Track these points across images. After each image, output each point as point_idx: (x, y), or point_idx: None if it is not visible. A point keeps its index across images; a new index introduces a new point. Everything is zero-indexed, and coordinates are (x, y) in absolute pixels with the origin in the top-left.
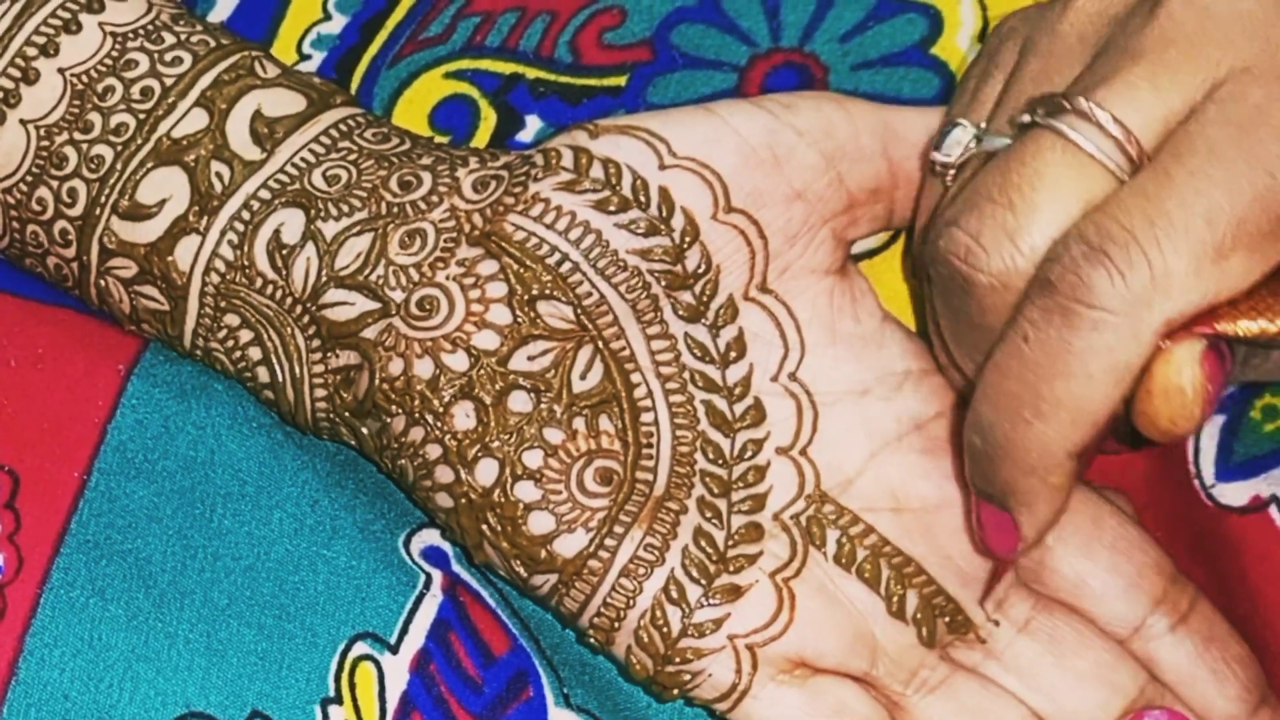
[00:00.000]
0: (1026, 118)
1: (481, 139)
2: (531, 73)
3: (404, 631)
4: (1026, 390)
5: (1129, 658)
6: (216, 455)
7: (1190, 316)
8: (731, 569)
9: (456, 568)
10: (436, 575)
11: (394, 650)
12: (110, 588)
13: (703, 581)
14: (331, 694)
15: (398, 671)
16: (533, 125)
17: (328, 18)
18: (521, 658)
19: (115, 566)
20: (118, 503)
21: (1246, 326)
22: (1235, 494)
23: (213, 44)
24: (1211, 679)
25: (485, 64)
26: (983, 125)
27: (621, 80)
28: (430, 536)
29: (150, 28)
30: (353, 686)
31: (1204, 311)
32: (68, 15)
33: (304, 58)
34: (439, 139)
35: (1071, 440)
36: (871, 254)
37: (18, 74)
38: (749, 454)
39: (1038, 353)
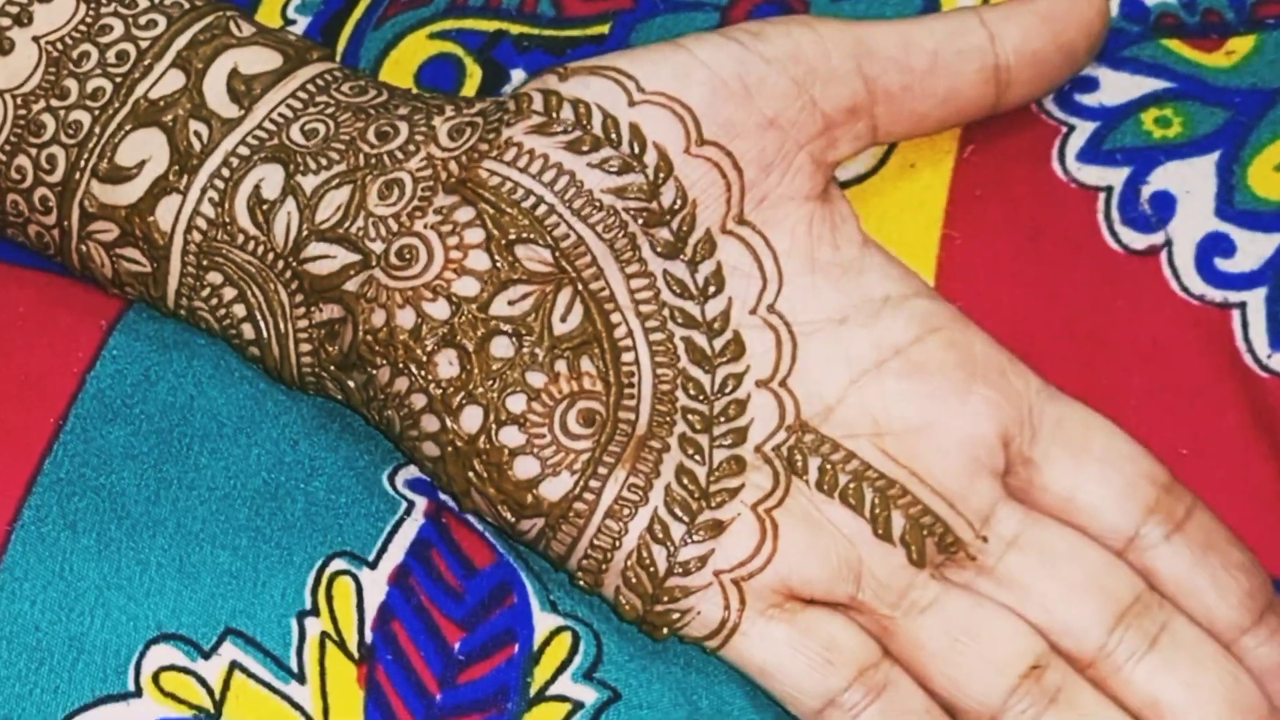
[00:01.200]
0: None
1: (468, 95)
2: (515, 28)
3: (383, 550)
4: None
5: (1123, 564)
6: (196, 401)
7: None
8: (714, 504)
9: (444, 495)
10: (421, 502)
11: (372, 566)
12: (82, 521)
13: (686, 519)
14: (308, 607)
15: (376, 584)
16: (518, 79)
17: None
18: (505, 569)
19: (88, 501)
20: (93, 444)
21: None
22: None
23: (186, 5)
24: (1211, 586)
25: (469, 23)
26: None
27: (604, 29)
28: (417, 469)
29: None
30: (330, 599)
31: None
32: None
33: (289, 23)
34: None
35: None
36: (861, 179)
37: None
38: (729, 388)
39: None
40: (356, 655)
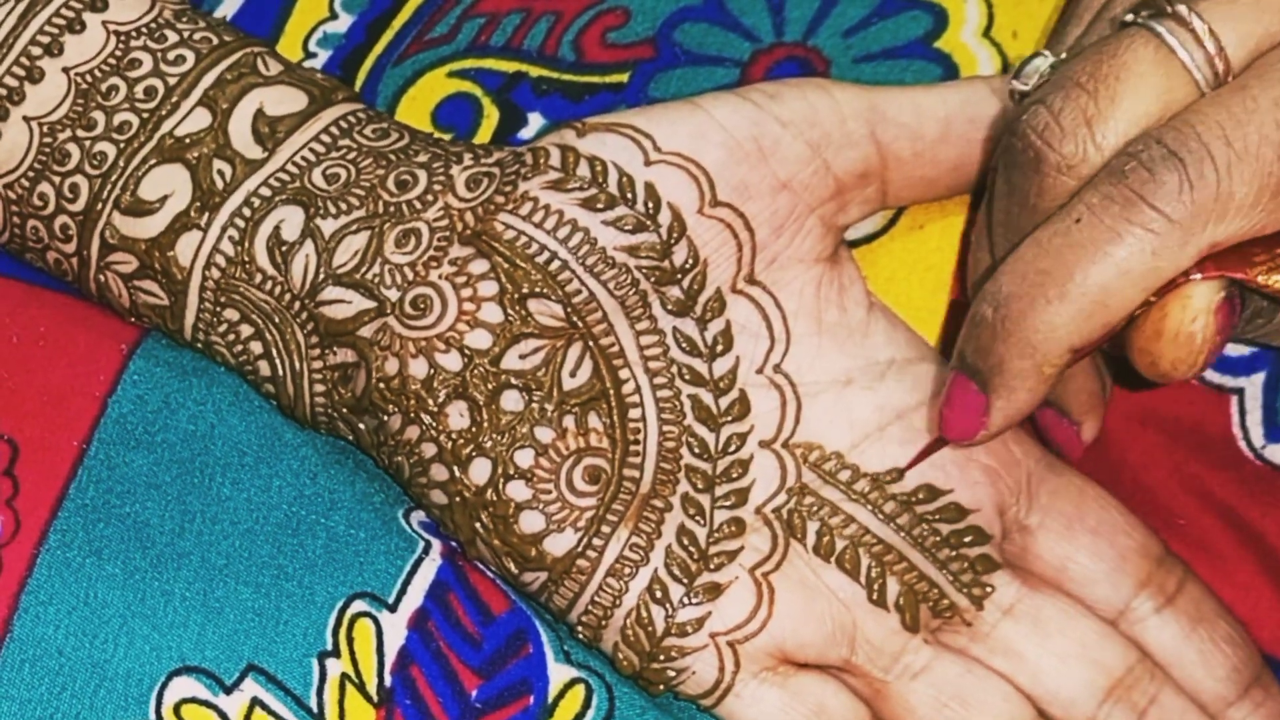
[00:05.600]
0: (1129, 17)
1: (484, 136)
2: (535, 71)
3: (402, 592)
4: (1060, 269)
5: (1116, 636)
6: (217, 429)
7: (1232, 243)
8: (712, 566)
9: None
10: (436, 543)
11: (392, 609)
12: (107, 549)
13: (685, 580)
14: (329, 648)
15: (396, 628)
16: (535, 123)
17: (334, 16)
18: (521, 617)
19: (113, 529)
20: (117, 470)
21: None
22: None
23: (215, 41)
24: (1199, 660)
25: (489, 63)
26: (1062, 55)
27: (624, 77)
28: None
29: (153, 25)
30: (350, 641)
31: (1236, 252)
32: (71, 14)
33: (310, 55)
34: (441, 137)
35: (1080, 332)
36: (870, 238)
37: (22, 72)
38: (733, 448)
39: (1085, 235)
40: (376, 698)
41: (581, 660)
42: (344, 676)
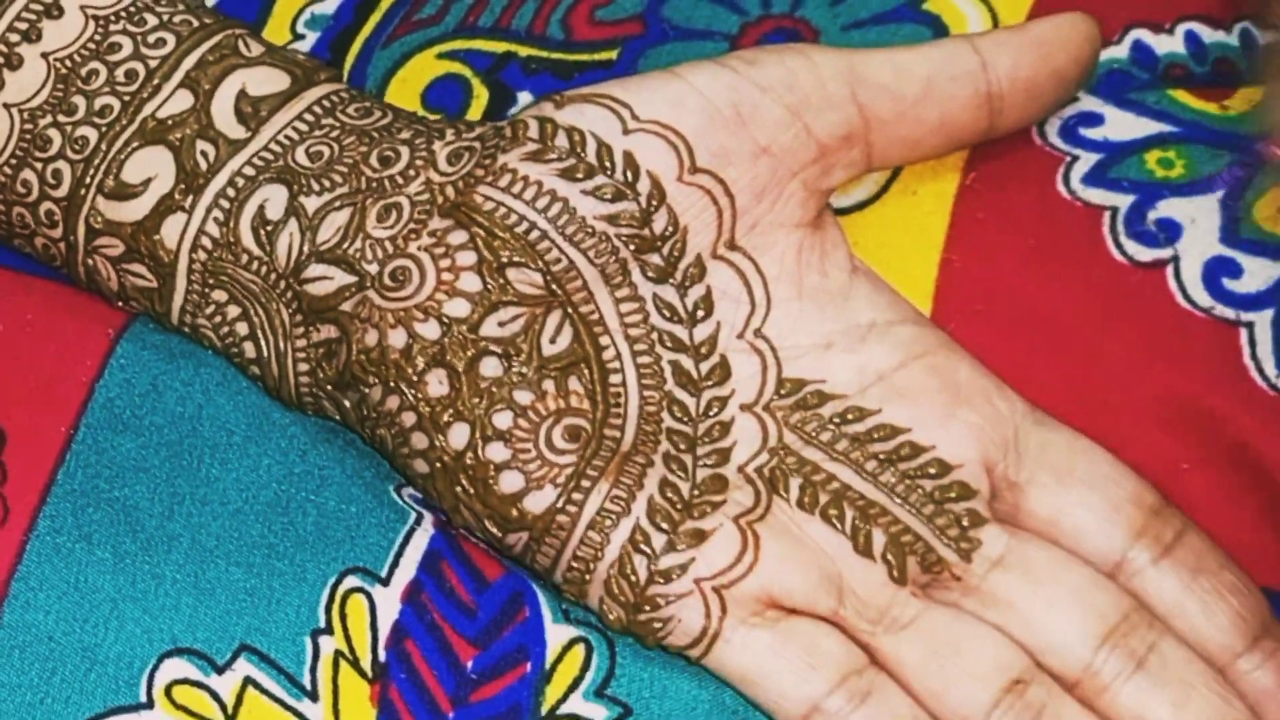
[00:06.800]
0: None
1: (473, 117)
2: (523, 50)
3: (394, 565)
4: None
5: (1110, 583)
6: (205, 410)
7: None
8: (695, 515)
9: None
10: (429, 514)
11: (385, 583)
12: (97, 533)
13: (668, 528)
14: (322, 625)
15: (389, 602)
16: (525, 101)
17: None
18: (516, 580)
19: (102, 513)
20: (105, 455)
21: None
22: None
23: (195, 24)
24: (1201, 610)
25: (478, 43)
26: None
27: (613, 54)
28: None
29: (132, 9)
30: (343, 617)
31: None
32: (49, 1)
33: (298, 37)
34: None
35: None
36: (863, 205)
37: (0, 60)
38: (714, 411)
39: None
40: (370, 674)
41: (581, 618)
42: (338, 653)
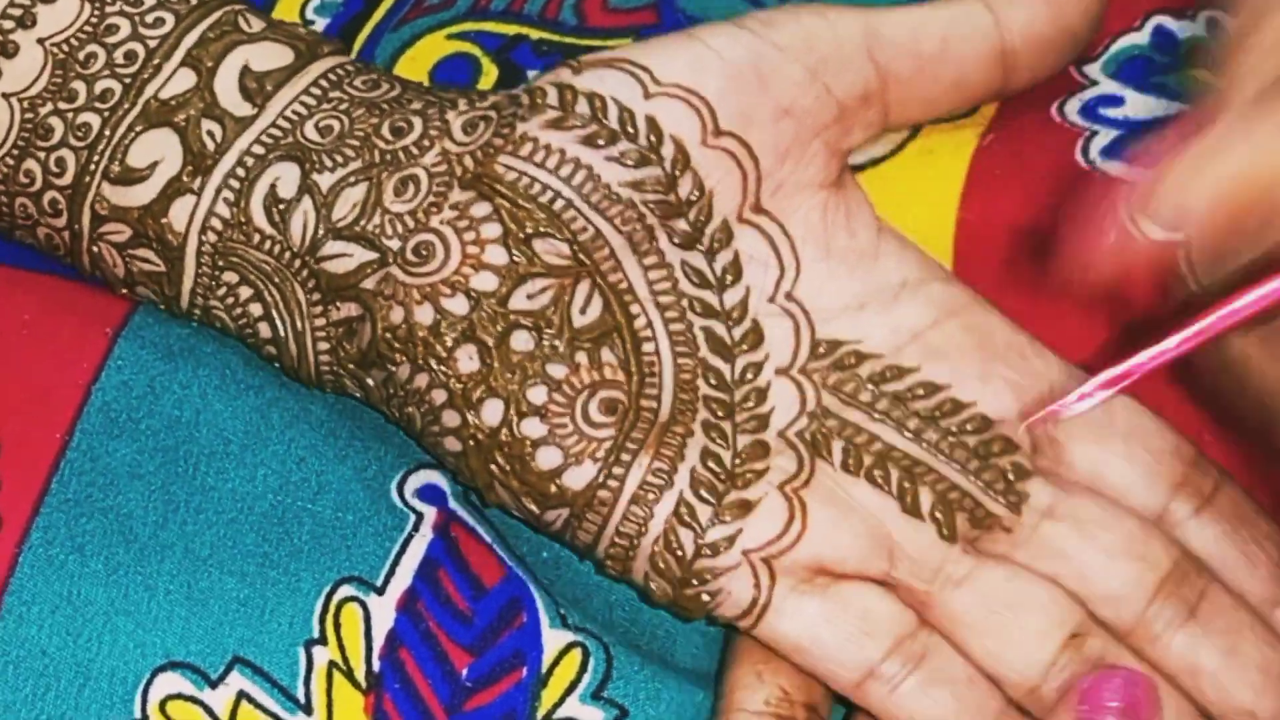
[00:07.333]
0: None
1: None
2: (535, 33)
3: (391, 573)
4: None
5: (1159, 532)
6: (202, 415)
7: None
8: (740, 485)
9: (453, 504)
10: (430, 513)
11: (380, 591)
12: (90, 544)
13: (712, 500)
14: (316, 636)
15: (384, 611)
16: None
17: None
18: (515, 585)
19: (95, 523)
20: (99, 461)
21: None
22: None
23: (193, 1)
24: (1243, 560)
25: (489, 25)
26: None
27: (626, 42)
28: (427, 475)
29: None
30: (338, 627)
31: None
32: None
33: (307, 24)
34: None
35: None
36: (877, 161)
37: None
38: (750, 376)
39: None
40: (364, 684)
41: (578, 623)
42: (331, 664)
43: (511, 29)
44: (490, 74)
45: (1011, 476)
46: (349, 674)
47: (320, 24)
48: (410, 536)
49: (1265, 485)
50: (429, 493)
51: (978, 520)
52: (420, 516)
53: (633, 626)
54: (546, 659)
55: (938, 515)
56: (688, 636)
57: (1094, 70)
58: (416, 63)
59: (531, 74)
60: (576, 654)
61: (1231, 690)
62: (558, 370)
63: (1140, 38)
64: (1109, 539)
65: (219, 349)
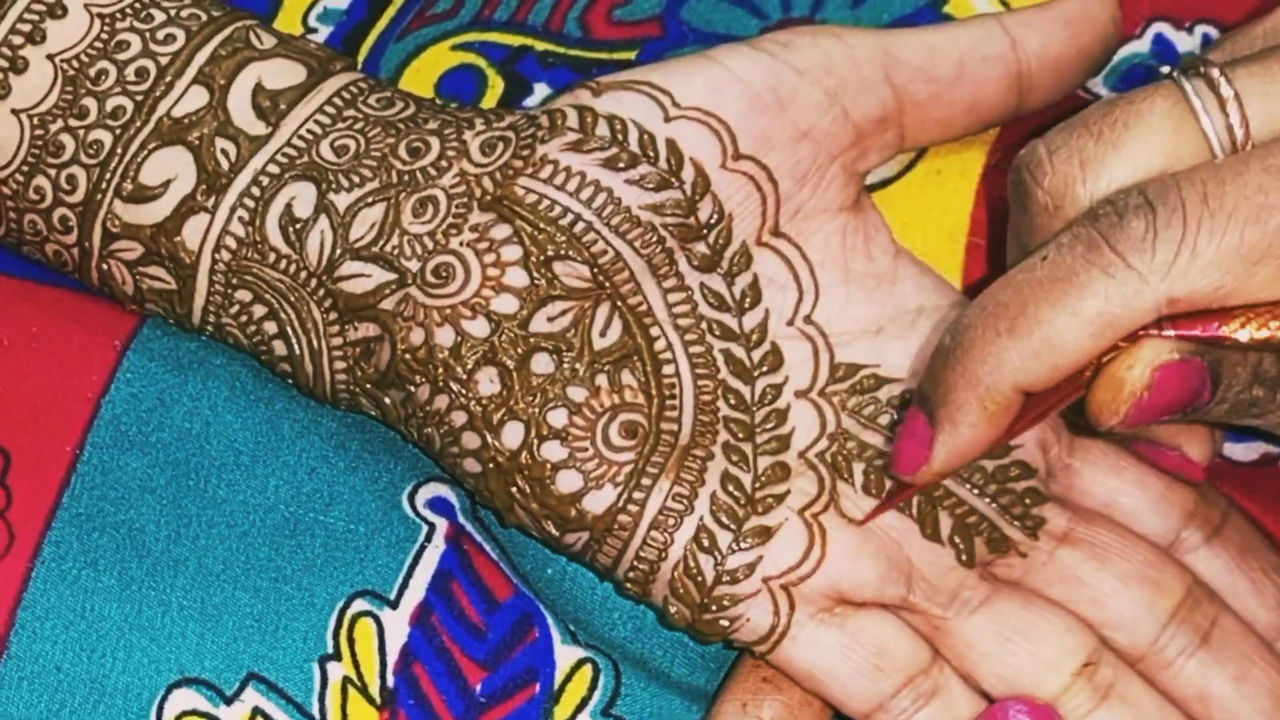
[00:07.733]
0: (1166, 69)
1: (488, 105)
2: (540, 45)
3: (404, 586)
4: (1015, 302)
5: (1172, 559)
6: (212, 427)
7: (1196, 305)
8: (760, 510)
9: (461, 520)
10: (441, 524)
11: (394, 605)
12: (103, 559)
13: (732, 526)
14: (330, 651)
15: (398, 625)
16: (541, 92)
17: None
18: (526, 601)
19: (108, 538)
20: (110, 475)
21: (1249, 333)
22: (1244, 452)
23: (204, 18)
24: (1251, 589)
25: (493, 36)
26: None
27: (631, 55)
28: (436, 488)
29: (138, 6)
30: (352, 643)
31: (1209, 310)
32: (52, 0)
33: (310, 31)
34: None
35: (1026, 371)
36: (886, 182)
37: (5, 63)
38: (769, 399)
39: (1046, 272)
40: (379, 700)
41: (588, 640)
42: (345, 680)
43: (516, 40)
44: (496, 86)
45: (1028, 501)
46: (363, 690)
47: (323, 32)
48: (423, 547)
49: (1268, 516)
50: (439, 505)
51: (995, 545)
52: (432, 527)
53: (634, 644)
54: (559, 675)
55: (956, 540)
56: (688, 655)
57: (1095, 84)
58: (422, 75)
59: (537, 85)
60: (587, 670)
61: (1242, 716)
62: (578, 393)
63: (1141, 45)
64: (1124, 565)
65: (228, 361)
